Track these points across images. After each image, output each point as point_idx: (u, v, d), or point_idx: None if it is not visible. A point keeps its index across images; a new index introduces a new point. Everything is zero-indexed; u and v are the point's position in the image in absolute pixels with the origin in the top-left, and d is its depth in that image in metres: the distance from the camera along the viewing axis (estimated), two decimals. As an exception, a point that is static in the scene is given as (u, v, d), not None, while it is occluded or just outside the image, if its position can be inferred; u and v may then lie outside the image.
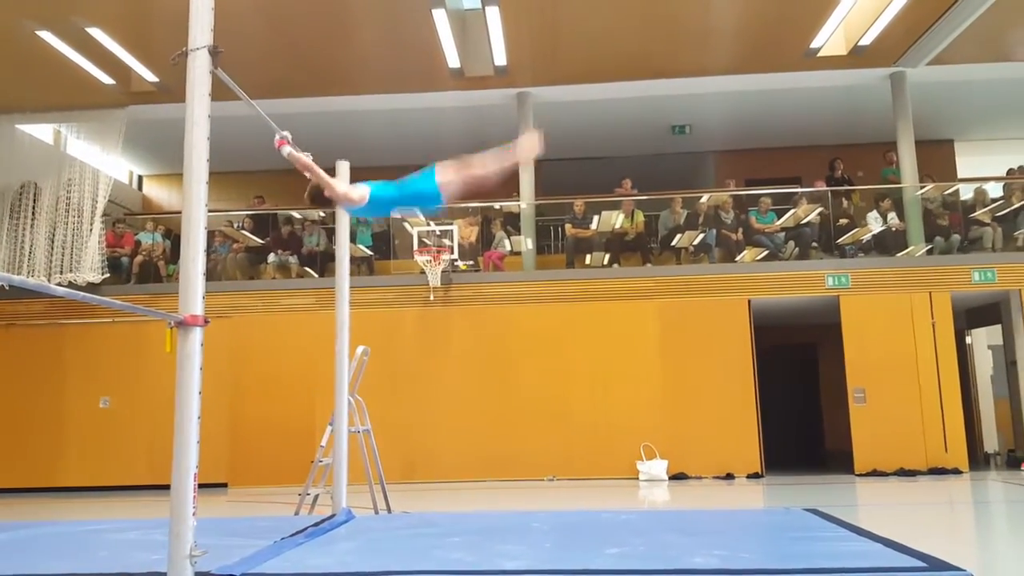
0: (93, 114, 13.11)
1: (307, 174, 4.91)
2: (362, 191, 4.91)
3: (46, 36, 10.93)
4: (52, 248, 12.61)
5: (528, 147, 4.99)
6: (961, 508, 8.51)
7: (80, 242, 12.53)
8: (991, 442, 13.36)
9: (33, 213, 12.82)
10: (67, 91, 12.57)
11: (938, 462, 11.14)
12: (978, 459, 12.74)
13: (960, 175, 15.36)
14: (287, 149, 4.93)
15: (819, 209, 12.73)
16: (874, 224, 12.57)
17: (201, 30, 3.82)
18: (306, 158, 4.95)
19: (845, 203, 12.92)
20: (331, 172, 6.76)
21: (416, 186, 4.85)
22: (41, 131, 13.94)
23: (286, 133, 4.94)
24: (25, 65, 11.78)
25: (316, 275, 12.82)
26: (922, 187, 12.90)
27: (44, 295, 12.03)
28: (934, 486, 10.05)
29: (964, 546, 5.84)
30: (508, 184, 13.44)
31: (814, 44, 11.81)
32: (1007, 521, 7.68)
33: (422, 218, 12.88)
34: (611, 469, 11.43)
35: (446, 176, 4.76)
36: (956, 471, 11.04)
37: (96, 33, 10.93)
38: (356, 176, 7.33)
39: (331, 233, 12.21)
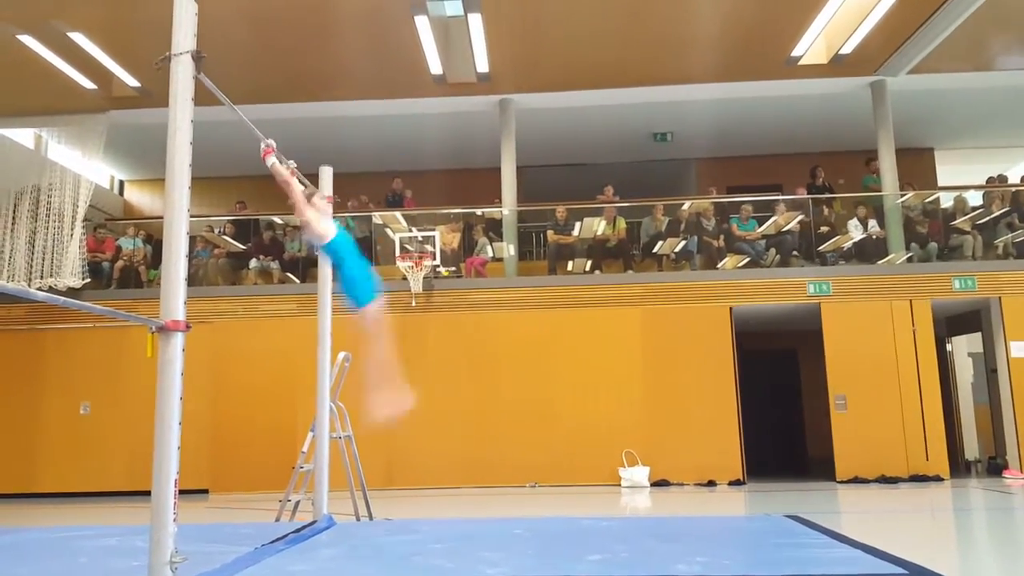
0: (74, 119, 13.03)
1: (285, 189, 4.91)
2: (326, 229, 4.94)
3: (27, 40, 10.85)
4: (32, 253, 12.49)
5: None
6: (942, 515, 8.57)
7: (61, 247, 12.42)
8: (972, 449, 13.45)
9: (13, 217, 12.70)
10: (48, 96, 12.49)
11: (919, 469, 11.22)
12: (959, 466, 12.82)
13: (940, 183, 15.53)
14: (271, 160, 4.92)
15: (800, 217, 12.82)
16: (855, 232, 12.67)
17: (184, 35, 3.82)
18: (288, 172, 4.94)
19: (827, 211, 13.00)
20: (313, 179, 6.77)
21: (354, 287, 4.90)
22: (22, 135, 13.83)
23: (271, 142, 4.94)
24: (6, 69, 11.69)
25: (298, 281, 12.78)
26: (903, 195, 13.02)
27: (24, 300, 11.92)
28: (915, 493, 10.11)
29: (945, 553, 5.88)
30: (490, 190, 13.50)
31: (795, 52, 11.91)
32: (988, 528, 7.74)
33: (403, 224, 12.89)
34: (593, 476, 11.43)
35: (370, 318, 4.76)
36: (937, 478, 11.12)
37: (78, 38, 10.86)
38: (340, 183, 7.35)
39: (314, 239, 12.16)
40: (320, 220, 4.94)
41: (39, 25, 10.59)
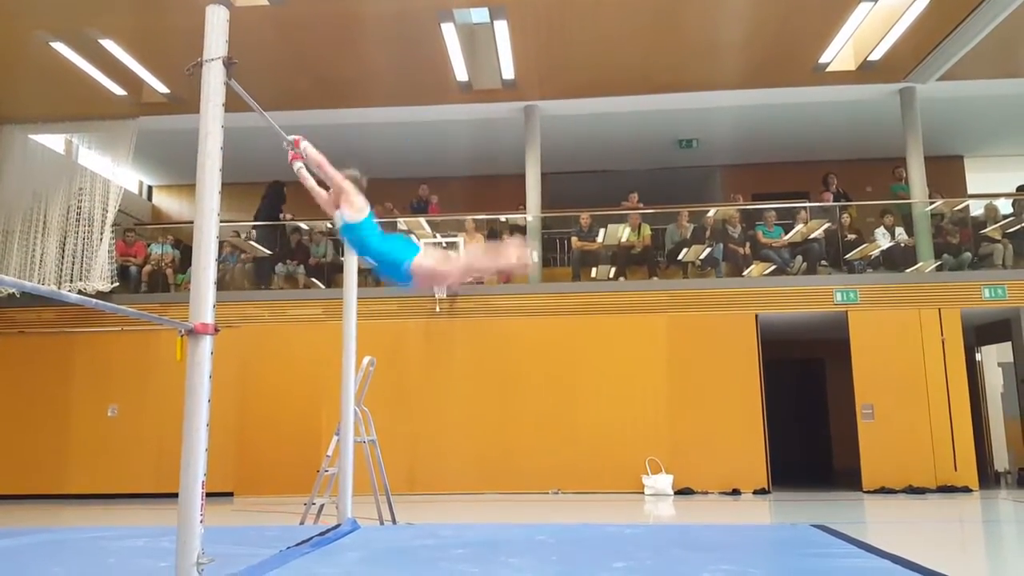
0: (104, 125, 13.21)
1: (320, 170, 4.74)
2: (363, 206, 4.75)
3: (59, 47, 11.03)
4: (63, 257, 12.68)
5: (517, 256, 4.81)
6: (971, 526, 8.45)
7: (90, 251, 12.60)
8: (1001, 460, 13.25)
9: (44, 222, 12.90)
10: (79, 102, 12.67)
11: (947, 480, 11.07)
12: (988, 477, 12.65)
13: (970, 191, 15.33)
14: (298, 164, 4.89)
15: (827, 224, 12.71)
16: (882, 240, 12.54)
17: (216, 41, 3.85)
18: (311, 151, 4.76)
19: (847, 219, 12.85)
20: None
21: (392, 251, 4.58)
22: (53, 141, 14.04)
23: (293, 138, 4.87)
24: (38, 76, 11.89)
25: (323, 286, 12.85)
26: (931, 203, 12.87)
27: (55, 303, 12.10)
28: (943, 504, 9.98)
29: (975, 564, 5.80)
30: (514, 197, 13.51)
31: (823, 59, 11.83)
32: (1019, 540, 7.62)
33: (428, 230, 12.93)
34: (616, 483, 11.38)
35: (423, 264, 4.46)
36: (966, 489, 10.97)
37: (109, 45, 11.03)
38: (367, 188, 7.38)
39: (338, 244, 12.25)
40: (357, 195, 4.69)
41: (72, 32, 10.77)
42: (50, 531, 7.18)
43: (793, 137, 14.68)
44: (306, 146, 4.76)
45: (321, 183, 4.91)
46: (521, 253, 4.71)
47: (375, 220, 4.74)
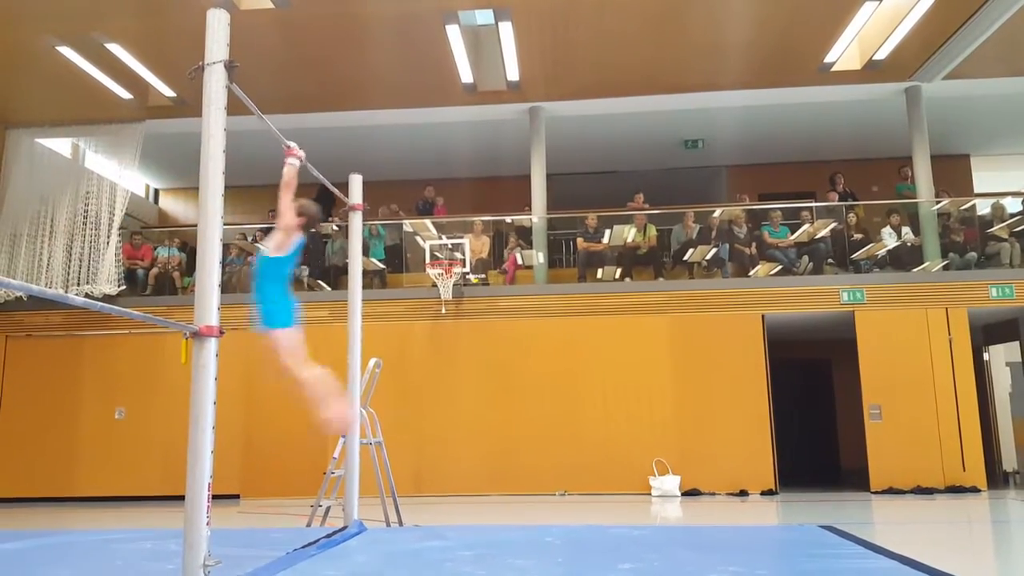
0: (111, 128, 13.25)
1: (285, 187, 4.81)
2: (288, 241, 4.76)
3: (66, 52, 11.07)
4: (70, 260, 12.72)
5: (334, 413, 5.00)
6: (980, 527, 8.41)
7: (97, 255, 12.64)
8: (1010, 460, 13.20)
9: (51, 226, 12.95)
10: (85, 106, 12.72)
11: (956, 480, 11.03)
12: (996, 477, 12.60)
13: (977, 190, 15.28)
14: (294, 161, 4.93)
15: (833, 224, 12.68)
16: (889, 239, 12.50)
17: (217, 45, 3.86)
18: (290, 170, 4.83)
19: (854, 219, 12.83)
20: (343, 188, 6.81)
21: (273, 312, 4.72)
22: (60, 145, 14.09)
23: (293, 145, 4.94)
24: (45, 80, 11.94)
25: (328, 288, 12.86)
26: (938, 202, 12.83)
27: (62, 306, 12.13)
28: (952, 504, 9.94)
29: (984, 565, 5.77)
30: (520, 198, 13.51)
31: (828, 59, 11.80)
32: (1026, 540, 7.58)
33: (433, 232, 12.93)
34: (623, 484, 11.36)
35: (280, 342, 4.70)
36: (974, 489, 10.92)
37: (115, 49, 11.06)
38: (370, 191, 7.38)
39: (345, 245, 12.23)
40: (289, 234, 4.77)
41: (78, 36, 10.81)
42: (57, 534, 7.19)
43: (799, 137, 14.65)
44: (286, 171, 4.81)
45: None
46: (338, 415, 5.04)
47: (287, 270, 4.81)
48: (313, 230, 5.59)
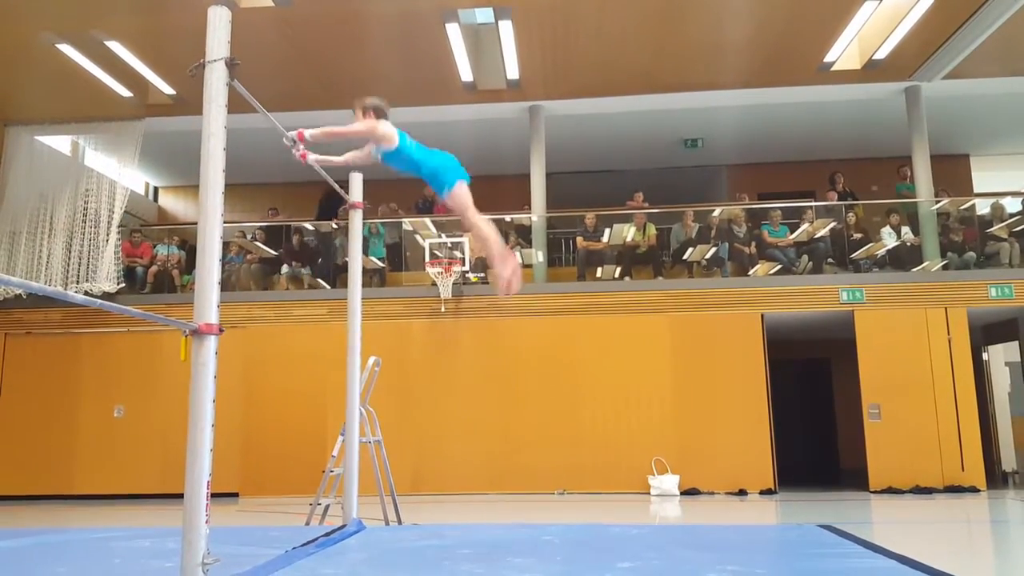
0: (110, 126, 13.24)
1: (336, 131, 4.88)
2: (390, 134, 4.97)
3: (66, 49, 11.07)
4: (69, 258, 12.71)
5: (511, 270, 4.94)
6: (979, 526, 8.41)
7: (96, 252, 12.63)
8: (1009, 460, 13.20)
9: (51, 223, 12.94)
10: (85, 103, 12.71)
11: (955, 480, 11.03)
12: (995, 477, 12.60)
13: (976, 190, 15.29)
14: (312, 158, 4.99)
15: (832, 223, 12.69)
16: (888, 239, 12.50)
17: (218, 42, 3.85)
18: (327, 131, 4.90)
19: (853, 218, 12.83)
20: (344, 186, 6.82)
21: (437, 171, 5.01)
22: (59, 143, 14.07)
23: (294, 134, 4.95)
24: (44, 78, 11.93)
25: (328, 286, 12.86)
26: (937, 202, 12.84)
27: (61, 304, 12.13)
28: (951, 504, 9.95)
29: (983, 564, 5.77)
30: (519, 197, 13.50)
31: (828, 58, 11.81)
32: (1024, 539, 7.58)
33: (433, 230, 12.92)
34: (622, 483, 11.37)
35: (457, 198, 4.99)
36: (973, 489, 10.93)
37: (114, 46, 11.06)
38: (370, 189, 7.38)
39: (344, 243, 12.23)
40: (380, 125, 4.97)
41: (78, 34, 10.80)
42: (56, 532, 7.19)
43: (798, 136, 14.66)
44: (310, 134, 4.86)
45: (345, 147, 5.05)
46: (514, 272, 4.97)
47: (409, 140, 4.96)
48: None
